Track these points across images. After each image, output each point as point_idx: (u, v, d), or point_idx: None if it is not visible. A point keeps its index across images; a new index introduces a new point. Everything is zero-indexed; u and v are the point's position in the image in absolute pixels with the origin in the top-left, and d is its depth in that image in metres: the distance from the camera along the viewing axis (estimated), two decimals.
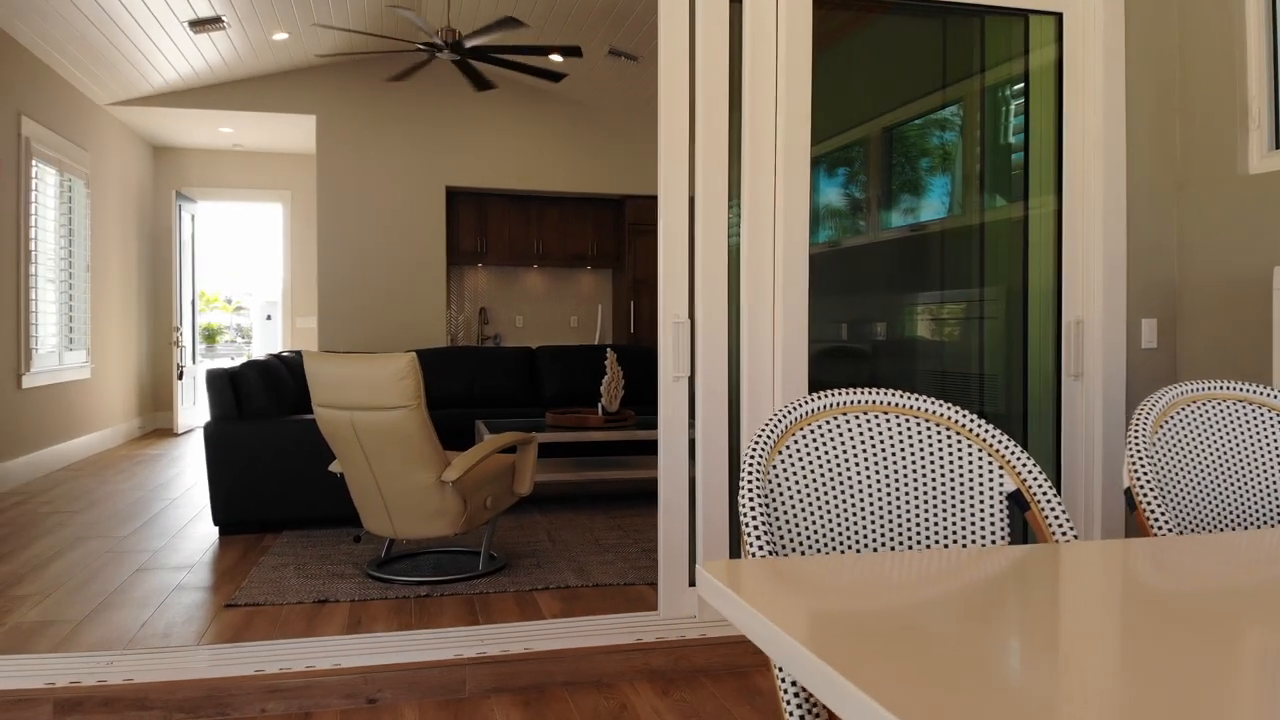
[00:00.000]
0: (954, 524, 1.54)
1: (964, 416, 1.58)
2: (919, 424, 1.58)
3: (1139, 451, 1.61)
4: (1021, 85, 3.77)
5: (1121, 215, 3.53)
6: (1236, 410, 1.81)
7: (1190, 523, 1.71)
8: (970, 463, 1.56)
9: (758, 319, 3.30)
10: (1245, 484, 1.79)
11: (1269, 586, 1.18)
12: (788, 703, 1.31)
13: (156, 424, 9.62)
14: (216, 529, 4.84)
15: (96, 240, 7.98)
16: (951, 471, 1.56)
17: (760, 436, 1.43)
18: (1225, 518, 1.77)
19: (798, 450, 1.48)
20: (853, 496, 1.52)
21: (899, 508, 1.54)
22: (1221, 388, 1.82)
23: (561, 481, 5.41)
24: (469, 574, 3.98)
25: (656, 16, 3.29)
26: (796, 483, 1.46)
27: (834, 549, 1.47)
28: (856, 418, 1.56)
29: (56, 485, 6.31)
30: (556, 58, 7.47)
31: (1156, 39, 3.59)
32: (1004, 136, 3.95)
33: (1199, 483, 1.74)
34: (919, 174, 4.38)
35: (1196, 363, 3.54)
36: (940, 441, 1.57)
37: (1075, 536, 1.42)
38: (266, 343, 14.59)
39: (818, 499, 1.48)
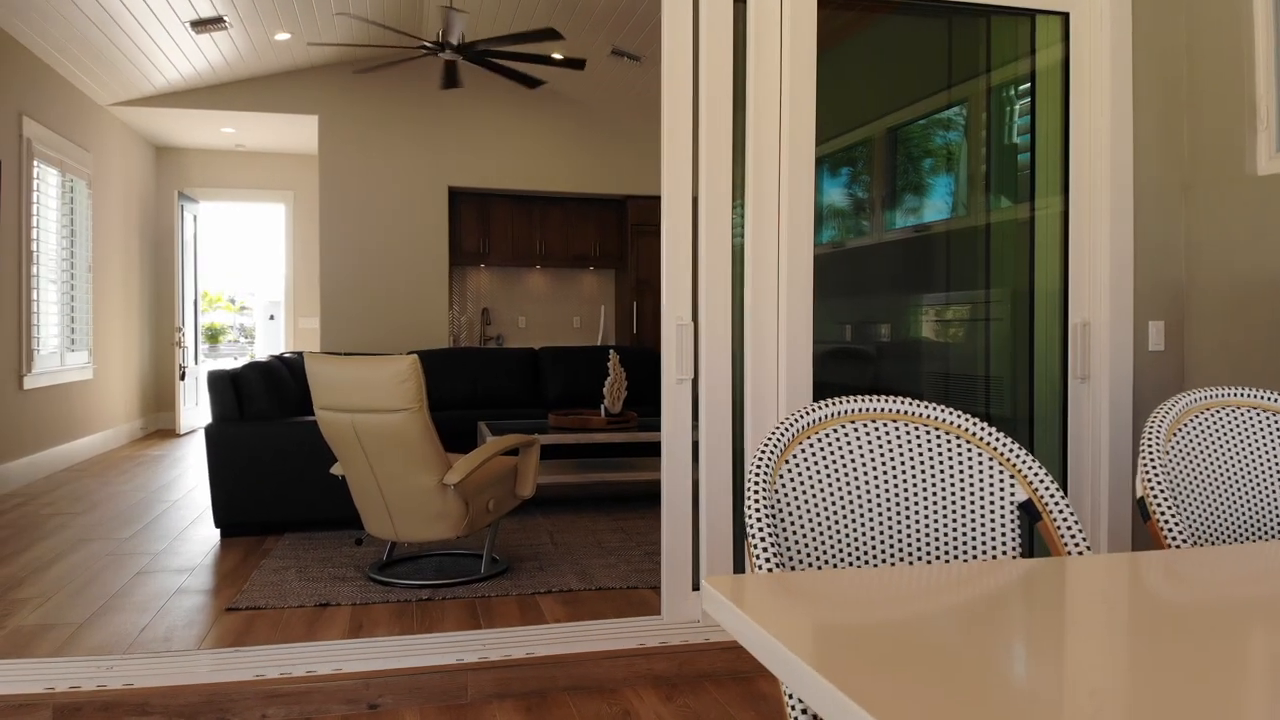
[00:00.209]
0: (964, 535, 1.52)
1: (974, 424, 1.55)
2: (928, 432, 1.55)
3: (1152, 460, 1.58)
4: (1027, 85, 3.75)
5: (1129, 216, 3.51)
6: (1251, 418, 1.78)
7: (1204, 533, 1.68)
8: (981, 472, 1.53)
9: (762, 321, 3.27)
10: (1261, 494, 1.77)
11: None
12: (792, 708, 1.29)
13: (159, 425, 9.61)
14: (218, 531, 4.83)
15: (98, 241, 7.97)
16: (961, 481, 1.53)
17: (766, 446, 1.41)
18: (1240, 528, 1.74)
19: (805, 460, 1.46)
20: (861, 507, 1.49)
21: (908, 518, 1.52)
22: (1236, 394, 1.79)
23: (564, 483, 5.39)
24: (471, 577, 3.96)
25: (659, 17, 3.27)
26: (804, 493, 1.44)
27: (842, 560, 1.45)
28: (865, 426, 1.53)
29: (58, 487, 6.29)
30: (557, 55, 7.45)
31: (1164, 39, 3.56)
32: (1009, 137, 3.92)
33: (1213, 492, 1.72)
34: (923, 174, 4.35)
35: (1204, 366, 3.52)
36: (950, 450, 1.54)
37: (1088, 548, 1.40)
38: (269, 343, 14.59)
39: (825, 509, 1.45)
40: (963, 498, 1.53)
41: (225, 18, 6.53)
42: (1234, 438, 1.77)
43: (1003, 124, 3.94)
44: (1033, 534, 1.53)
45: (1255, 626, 1.07)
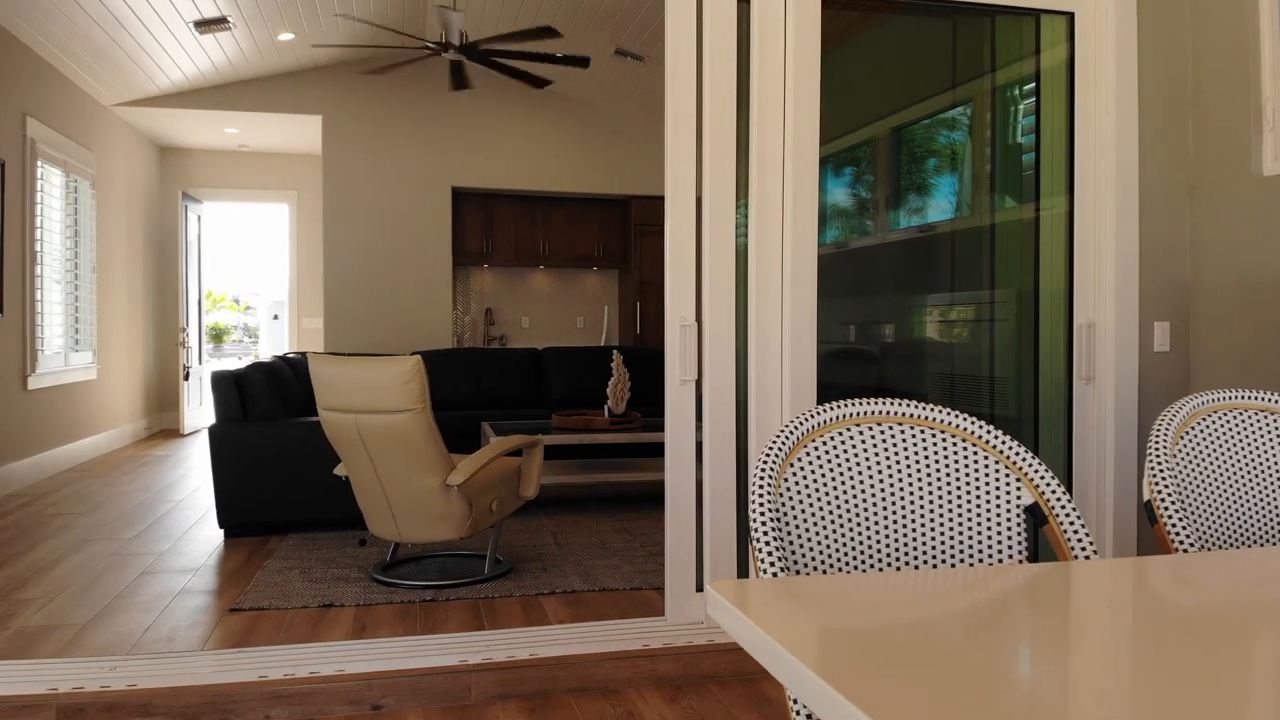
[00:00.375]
0: (970, 538, 1.51)
1: (980, 428, 1.55)
2: (934, 435, 1.54)
3: (1160, 464, 1.57)
4: (1032, 85, 3.74)
5: (1134, 216, 3.49)
6: (1259, 421, 1.77)
7: (1212, 537, 1.67)
8: (987, 475, 1.52)
9: (766, 321, 3.27)
10: (1268, 497, 1.75)
11: None
12: (797, 714, 1.28)
13: (163, 425, 9.62)
14: (221, 531, 4.83)
15: (102, 241, 7.98)
16: (967, 484, 1.52)
17: (770, 450, 1.40)
18: (1248, 532, 1.73)
19: (809, 464, 1.45)
20: (866, 511, 1.48)
21: (914, 522, 1.51)
22: (1243, 397, 1.78)
23: (567, 484, 5.38)
24: (475, 578, 3.96)
25: (663, 17, 3.26)
26: (808, 497, 1.43)
27: (847, 565, 1.44)
28: (870, 429, 1.52)
29: (62, 487, 6.30)
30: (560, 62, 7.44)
31: (1169, 39, 3.55)
32: (1014, 137, 3.91)
33: (1221, 496, 1.71)
34: (928, 174, 4.34)
35: (1210, 367, 3.50)
36: (956, 453, 1.53)
37: (1095, 552, 1.39)
38: (273, 342, 14.60)
39: (831, 514, 1.45)
40: (969, 501, 1.52)
41: (229, 18, 6.53)
42: (1242, 441, 1.76)
43: (1007, 124, 3.94)
44: (1038, 538, 1.52)
45: (1265, 631, 1.06)
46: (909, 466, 1.52)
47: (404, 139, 8.78)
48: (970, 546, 1.51)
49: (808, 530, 1.41)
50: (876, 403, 1.54)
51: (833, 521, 1.44)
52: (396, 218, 8.76)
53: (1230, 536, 1.71)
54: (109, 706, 2.71)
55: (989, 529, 1.51)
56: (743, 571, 3.30)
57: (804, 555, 1.39)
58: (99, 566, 4.20)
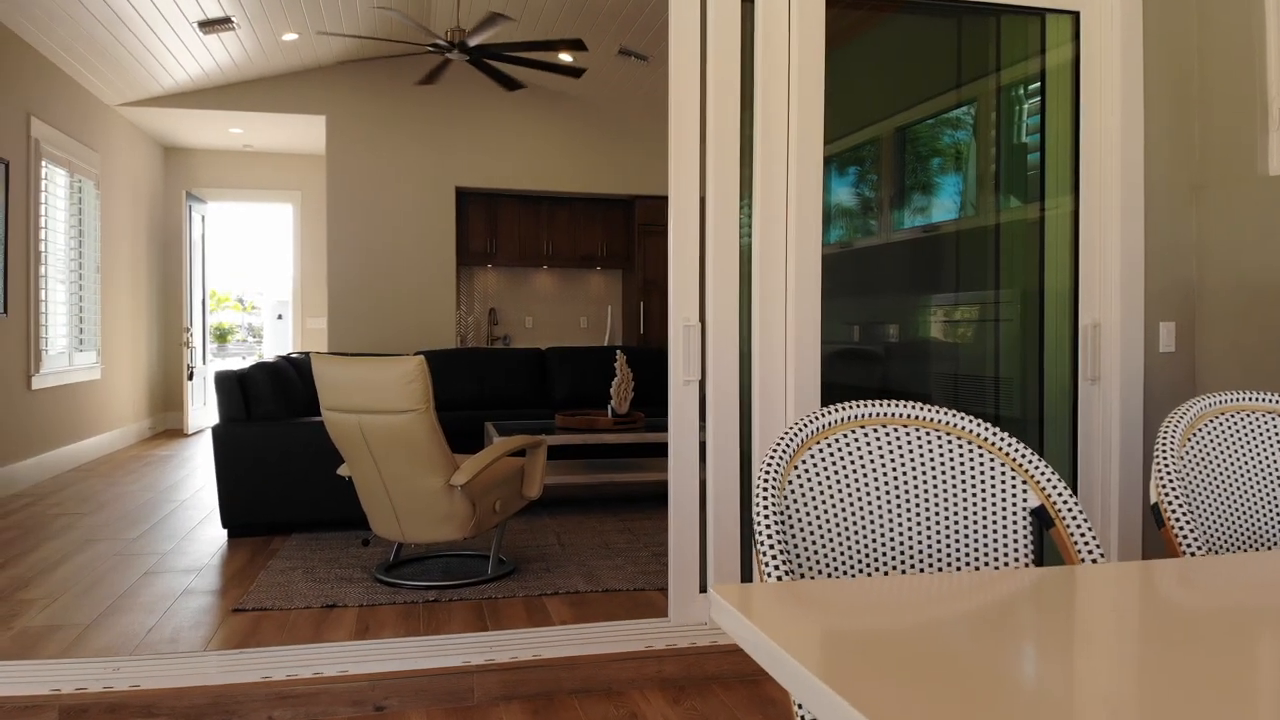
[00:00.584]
0: (976, 541, 1.50)
1: (986, 430, 1.54)
2: (939, 437, 1.53)
3: (1167, 466, 1.56)
4: (1037, 84, 3.72)
5: (1139, 216, 3.48)
6: (1267, 423, 1.76)
7: (1219, 540, 1.66)
8: (993, 477, 1.51)
9: (769, 321, 3.26)
10: (1276, 500, 1.74)
11: None
12: (802, 718, 1.28)
13: (167, 424, 9.63)
14: (225, 531, 4.83)
15: (106, 241, 7.98)
16: (973, 487, 1.51)
17: (774, 452, 1.39)
18: (1256, 535, 1.71)
19: (814, 466, 1.44)
20: (872, 514, 1.47)
21: (919, 525, 1.50)
22: (1251, 399, 1.77)
23: (571, 484, 5.38)
24: (478, 578, 3.95)
25: (666, 16, 3.25)
26: (813, 500, 1.42)
27: (852, 568, 1.43)
28: (874, 431, 1.51)
29: (66, 487, 6.30)
30: (566, 57, 7.44)
31: (1174, 38, 3.53)
32: (1019, 136, 3.90)
33: (1228, 498, 1.70)
34: (932, 174, 4.33)
35: (1216, 367, 3.49)
36: (961, 455, 1.52)
37: (1102, 555, 1.38)
38: (278, 342, 14.61)
39: (835, 516, 1.44)
40: (974, 504, 1.51)
41: (233, 18, 6.53)
42: (1249, 443, 1.74)
43: (1012, 123, 3.92)
44: (1043, 540, 1.51)
45: (1273, 636, 1.05)
46: (914, 469, 1.51)
47: (408, 139, 8.78)
48: (976, 549, 1.50)
49: (812, 533, 1.40)
50: (881, 404, 1.53)
51: (838, 524, 1.43)
52: (400, 218, 8.76)
53: (1238, 539, 1.70)
54: (112, 707, 2.71)
55: (995, 532, 1.50)
56: (746, 572, 3.29)
57: (809, 558, 1.38)
58: (102, 567, 4.20)
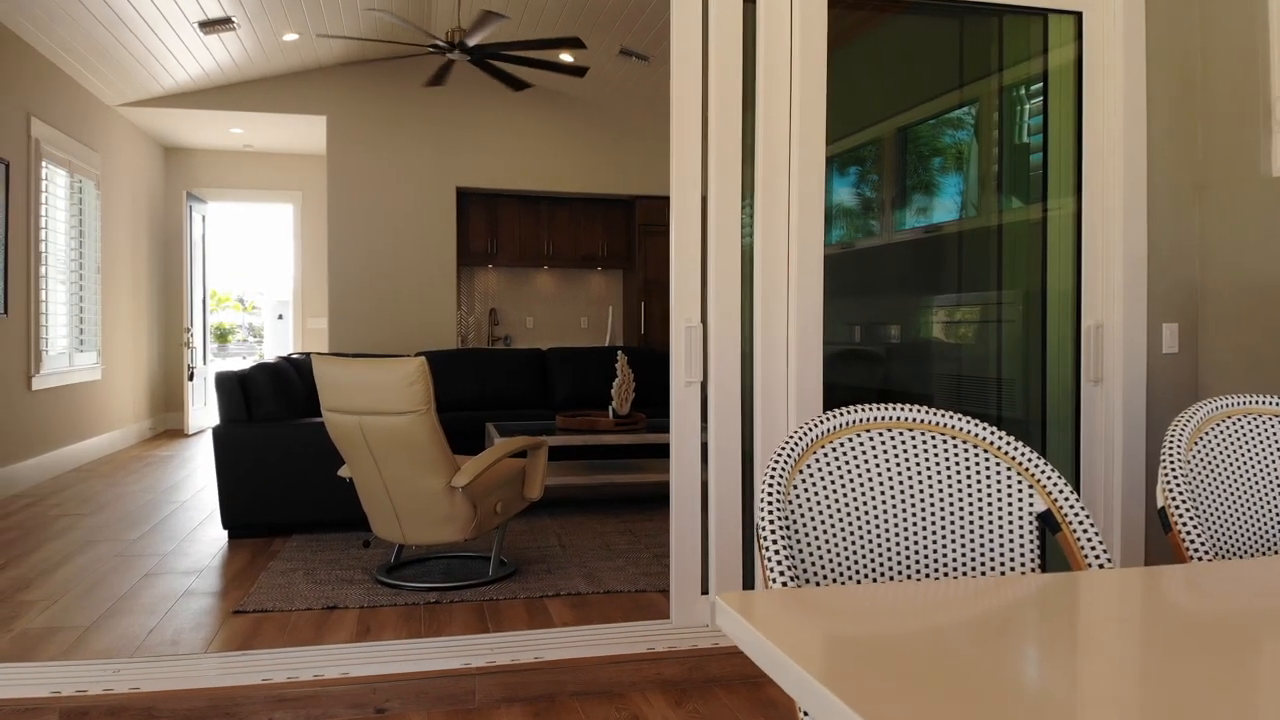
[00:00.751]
0: (982, 546, 1.49)
1: (991, 433, 1.53)
2: (945, 441, 1.52)
3: (1174, 470, 1.55)
4: (1040, 85, 3.71)
5: (1142, 217, 3.47)
6: (1274, 426, 1.75)
7: (1226, 545, 1.65)
8: (999, 482, 1.50)
9: (771, 322, 3.25)
10: None
11: None
12: (806, 715, 1.27)
13: (167, 425, 9.63)
14: (225, 533, 4.82)
15: (107, 241, 7.98)
16: (979, 491, 1.50)
17: (779, 458, 1.38)
18: (1263, 540, 1.70)
19: (819, 471, 1.43)
20: (877, 518, 1.47)
21: (924, 529, 1.49)
22: (1258, 402, 1.76)
23: (572, 485, 5.37)
24: (479, 580, 3.94)
25: (667, 16, 3.24)
26: (818, 505, 1.41)
27: (858, 573, 1.42)
28: (880, 435, 1.51)
29: (66, 487, 6.30)
30: (567, 57, 7.43)
31: (1177, 38, 3.53)
32: (1021, 137, 3.89)
33: (1236, 503, 1.69)
34: (934, 174, 4.32)
35: (1219, 368, 3.48)
36: (967, 459, 1.51)
37: (1109, 560, 1.37)
38: (278, 342, 14.61)
39: (840, 521, 1.43)
40: (980, 508, 1.50)
41: (233, 18, 6.53)
42: (1256, 447, 1.73)
43: (1014, 124, 3.91)
44: (1046, 545, 1.50)
45: None
46: (919, 473, 1.50)
47: (409, 139, 8.77)
48: (982, 554, 1.49)
49: (817, 538, 1.39)
50: (886, 408, 1.52)
51: (843, 529, 1.43)
52: (401, 218, 8.75)
53: (1245, 544, 1.69)
54: (112, 710, 2.70)
55: (1001, 536, 1.49)
56: (748, 574, 3.28)
57: (814, 563, 1.37)
58: (103, 568, 4.19)
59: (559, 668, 2.99)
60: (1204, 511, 1.62)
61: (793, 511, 1.37)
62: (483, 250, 9.33)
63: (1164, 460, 1.59)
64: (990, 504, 1.50)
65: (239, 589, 3.88)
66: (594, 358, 7.16)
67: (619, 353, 5.95)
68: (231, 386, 4.88)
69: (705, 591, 3.30)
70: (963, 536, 1.49)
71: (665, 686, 3.02)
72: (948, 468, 1.51)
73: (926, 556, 1.49)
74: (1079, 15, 3.50)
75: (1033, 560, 1.48)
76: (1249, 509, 1.70)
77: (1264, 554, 1.70)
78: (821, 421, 1.47)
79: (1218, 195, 3.49)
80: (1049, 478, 1.49)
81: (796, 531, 1.36)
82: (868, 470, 1.48)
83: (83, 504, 5.70)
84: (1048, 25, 3.62)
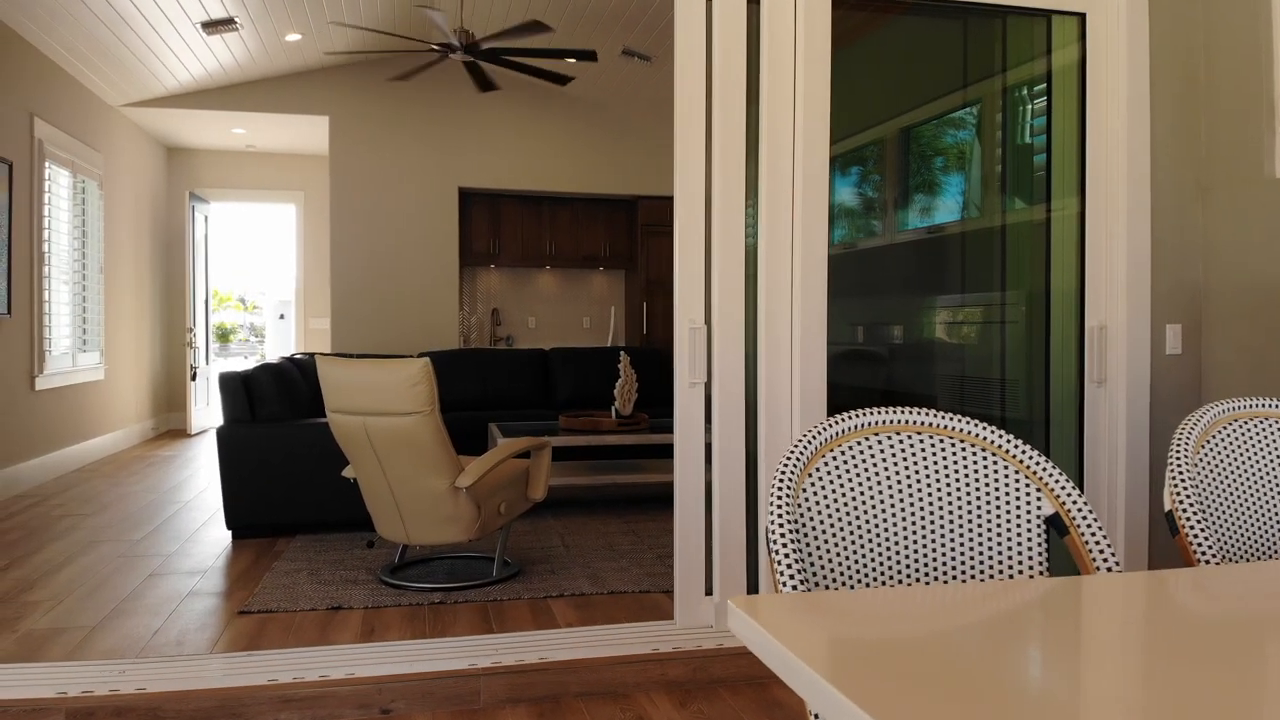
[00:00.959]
0: (990, 549, 1.49)
1: (999, 436, 1.53)
2: (953, 444, 1.53)
3: (1181, 473, 1.56)
4: (1043, 86, 3.72)
5: (1146, 217, 3.47)
6: None
7: (1233, 548, 1.65)
8: (1006, 485, 1.51)
9: (775, 322, 3.25)
10: None
11: None
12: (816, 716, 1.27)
13: (170, 425, 9.63)
14: (229, 533, 4.83)
15: (110, 241, 7.98)
16: (987, 494, 1.51)
17: (787, 462, 1.39)
18: (1271, 543, 1.71)
19: (827, 475, 1.44)
20: (886, 521, 1.47)
21: (933, 533, 1.50)
22: (1266, 405, 1.76)
23: (575, 485, 5.38)
24: (483, 580, 3.95)
25: (670, 17, 3.25)
26: (827, 510, 1.41)
27: (867, 576, 1.43)
28: (888, 439, 1.51)
29: (69, 488, 6.31)
30: (570, 60, 7.43)
31: (1181, 39, 3.53)
32: (1025, 137, 3.89)
33: (1243, 506, 1.69)
34: (937, 175, 4.32)
35: (1223, 369, 3.48)
36: (975, 463, 1.52)
37: (1117, 563, 1.37)
38: (280, 342, 14.62)
39: (849, 525, 1.43)
40: (988, 512, 1.50)
41: (236, 19, 6.53)
42: (1264, 450, 1.73)
43: (1018, 124, 3.91)
44: (1046, 547, 1.50)
45: None
46: (928, 476, 1.51)
47: (411, 139, 8.78)
48: (990, 558, 1.49)
49: (826, 542, 1.39)
50: (894, 412, 1.53)
51: (852, 533, 1.43)
52: (403, 218, 8.76)
53: (1252, 547, 1.69)
54: (118, 710, 2.71)
55: (1009, 539, 1.49)
56: (752, 574, 3.28)
57: (822, 566, 1.37)
58: (107, 568, 4.20)
59: (564, 668, 2.99)
60: (1211, 515, 1.62)
61: (802, 515, 1.37)
62: (485, 250, 9.33)
63: (1171, 463, 1.59)
64: (998, 507, 1.50)
65: (243, 589, 3.88)
66: (596, 358, 7.16)
67: (622, 353, 5.96)
68: (235, 387, 4.88)
69: (709, 592, 3.30)
70: (971, 540, 1.50)
71: (670, 687, 3.02)
72: (956, 471, 1.51)
73: (935, 560, 1.49)
74: (1082, 16, 3.50)
75: (1040, 563, 1.48)
76: (1256, 512, 1.71)
77: (1271, 557, 1.70)
78: (830, 425, 1.48)
79: (1221, 196, 3.50)
80: (1057, 481, 1.49)
81: (805, 535, 1.36)
82: (876, 474, 1.48)
83: (86, 504, 5.70)
84: (1051, 26, 3.62)
